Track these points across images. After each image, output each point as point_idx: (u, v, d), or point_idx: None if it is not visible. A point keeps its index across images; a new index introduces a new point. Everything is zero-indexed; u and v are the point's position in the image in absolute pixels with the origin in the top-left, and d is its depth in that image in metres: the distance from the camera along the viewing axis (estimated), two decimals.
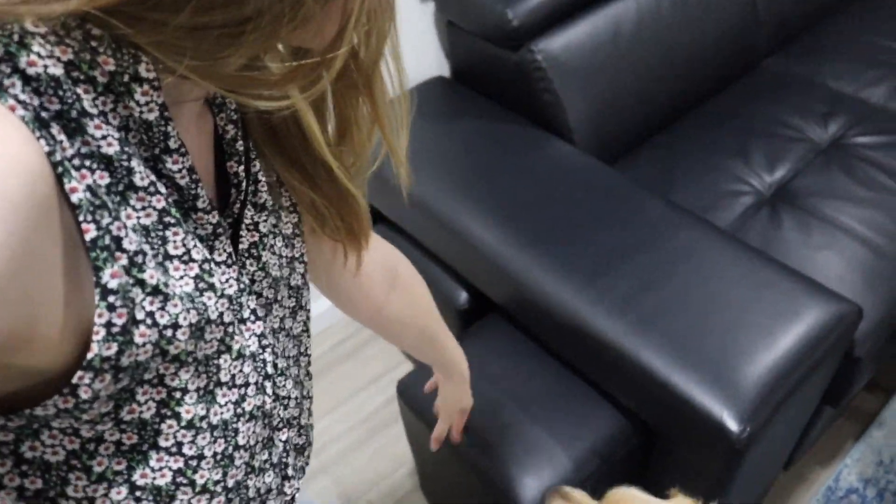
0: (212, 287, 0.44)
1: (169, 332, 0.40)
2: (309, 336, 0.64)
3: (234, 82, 0.38)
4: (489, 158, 1.47)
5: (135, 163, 0.38)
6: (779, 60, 1.90)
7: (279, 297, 0.57)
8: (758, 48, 1.86)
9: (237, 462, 0.49)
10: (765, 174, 1.57)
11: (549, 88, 1.50)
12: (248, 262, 0.52)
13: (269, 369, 0.52)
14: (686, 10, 1.65)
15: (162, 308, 0.39)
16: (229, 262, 0.47)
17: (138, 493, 0.43)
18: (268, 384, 0.52)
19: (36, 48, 0.33)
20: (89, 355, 0.35)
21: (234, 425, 0.48)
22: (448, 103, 1.63)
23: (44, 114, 0.32)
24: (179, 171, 0.41)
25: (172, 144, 0.40)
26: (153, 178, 0.39)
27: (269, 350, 0.52)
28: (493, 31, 1.50)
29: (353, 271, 0.69)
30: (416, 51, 1.72)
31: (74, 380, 0.36)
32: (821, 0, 2.00)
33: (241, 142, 0.50)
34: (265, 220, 0.53)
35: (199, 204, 0.44)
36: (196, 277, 0.42)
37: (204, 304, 0.43)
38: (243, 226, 0.51)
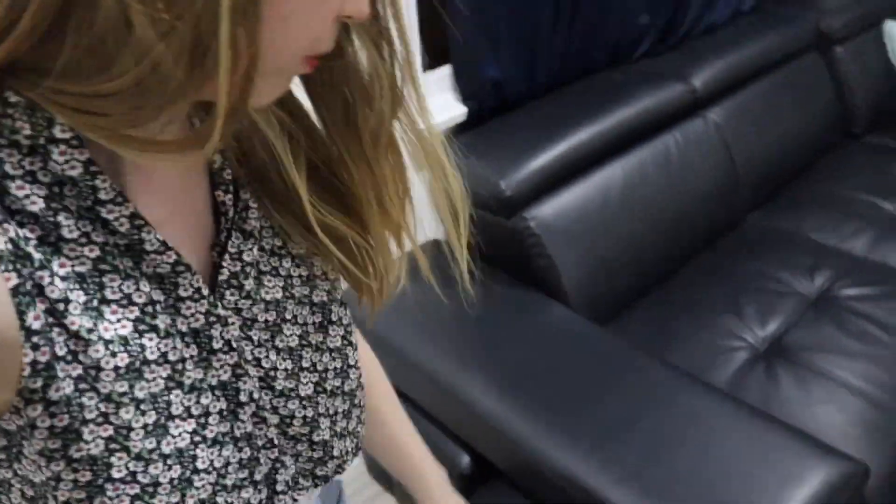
0: (154, 328, 0.46)
1: (93, 372, 0.43)
2: (355, 349, 0.65)
3: (136, 146, 0.39)
4: (487, 322, 1.50)
5: (62, 217, 0.42)
6: (762, 215, 1.99)
7: (289, 317, 0.58)
8: (740, 205, 1.95)
9: (197, 484, 0.51)
10: (757, 329, 1.60)
11: (543, 253, 1.56)
12: (227, 292, 0.53)
13: (244, 397, 0.54)
14: (670, 172, 1.75)
15: (84, 351, 0.43)
16: (196, 296, 0.49)
17: None
18: (242, 410, 0.54)
19: None
20: (19, 386, 0.40)
21: (192, 452, 0.50)
22: (445, 267, 1.69)
23: None
24: (116, 219, 0.44)
25: (103, 196, 0.43)
26: (88, 228, 0.43)
27: (245, 378, 0.54)
28: (488, 201, 1.58)
29: (368, 318, 0.67)
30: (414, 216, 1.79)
31: (14, 403, 0.41)
32: (794, 157, 2.12)
33: (227, 171, 0.53)
34: (250, 249, 0.54)
35: (147, 247, 0.46)
36: (136, 320, 0.45)
37: (141, 345, 0.46)
38: (227, 255, 0.53)
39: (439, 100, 2.02)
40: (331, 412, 0.63)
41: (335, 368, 0.62)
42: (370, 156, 0.55)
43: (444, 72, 2.00)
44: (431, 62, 1.95)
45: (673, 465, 1.16)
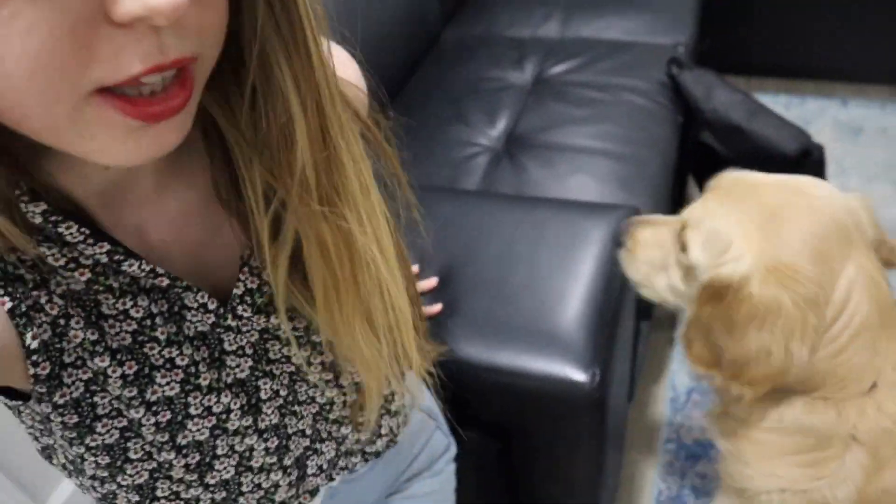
0: (153, 339, 0.49)
1: (100, 379, 0.47)
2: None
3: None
4: None
5: (46, 248, 0.43)
6: (456, 27, 1.91)
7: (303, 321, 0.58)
8: (434, 22, 1.85)
9: (218, 467, 0.55)
10: (489, 129, 1.52)
11: None
12: (240, 306, 0.52)
13: (264, 394, 0.56)
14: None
15: (90, 359, 0.46)
16: (201, 310, 0.50)
17: (125, 486, 0.52)
18: (265, 405, 0.56)
19: None
20: (29, 388, 0.45)
21: (211, 443, 0.54)
22: None
23: None
24: (92, 255, 0.45)
25: (70, 239, 0.43)
26: (75, 254, 0.44)
27: (267, 378, 0.56)
28: None
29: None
30: None
31: (30, 403, 0.46)
32: None
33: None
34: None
35: (135, 274, 0.46)
36: (134, 332, 0.48)
37: (144, 354, 0.48)
38: (247, 268, 0.52)
39: None
40: (384, 394, 0.64)
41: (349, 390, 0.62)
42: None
43: None
44: None
45: (465, 283, 1.05)
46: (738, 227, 0.75)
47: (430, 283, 1.06)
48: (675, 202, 1.60)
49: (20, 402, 0.47)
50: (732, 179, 0.82)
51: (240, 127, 0.45)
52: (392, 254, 0.54)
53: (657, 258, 0.87)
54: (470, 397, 1.02)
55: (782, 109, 2.12)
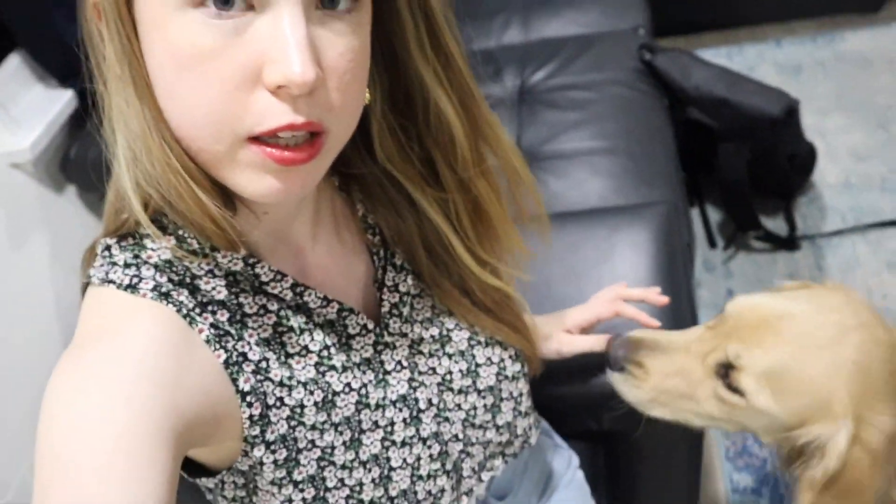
0: (332, 367, 0.57)
1: (298, 410, 0.54)
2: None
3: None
4: None
5: (243, 298, 0.53)
6: None
7: (451, 326, 0.67)
8: None
9: (396, 479, 0.60)
10: None
11: None
12: (391, 320, 0.62)
13: (422, 404, 0.63)
14: None
15: (289, 394, 0.53)
16: (363, 332, 0.60)
17: None
18: (424, 414, 0.63)
19: (149, 244, 0.51)
20: (243, 434, 0.51)
21: (385, 455, 0.60)
22: None
23: (166, 287, 0.49)
24: (280, 292, 0.55)
25: (264, 278, 0.53)
26: (263, 301, 0.54)
27: (422, 388, 0.64)
28: None
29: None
30: None
31: (243, 448, 0.52)
32: None
33: (370, 217, 0.64)
34: (404, 280, 0.64)
35: (311, 305, 0.56)
36: (316, 364, 0.56)
37: (327, 382, 0.56)
38: (385, 289, 0.62)
39: (29, 98, 1.57)
40: (514, 394, 0.71)
41: (511, 356, 0.70)
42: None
43: (14, 63, 1.55)
44: None
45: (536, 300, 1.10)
46: (819, 381, 0.71)
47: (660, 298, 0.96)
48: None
49: (223, 472, 0.54)
50: (768, 316, 0.75)
51: (412, 164, 0.60)
52: (519, 249, 0.69)
53: (678, 388, 0.80)
54: (567, 412, 1.08)
55: (725, 60, 2.25)
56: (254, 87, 0.42)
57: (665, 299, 0.93)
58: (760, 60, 2.30)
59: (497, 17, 1.92)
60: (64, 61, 1.52)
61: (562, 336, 0.88)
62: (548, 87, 1.67)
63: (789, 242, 1.74)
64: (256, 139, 0.44)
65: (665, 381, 0.80)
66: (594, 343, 0.87)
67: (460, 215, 0.63)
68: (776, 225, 1.79)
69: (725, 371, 0.75)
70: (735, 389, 0.74)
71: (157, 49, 0.43)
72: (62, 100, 1.55)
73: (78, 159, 1.54)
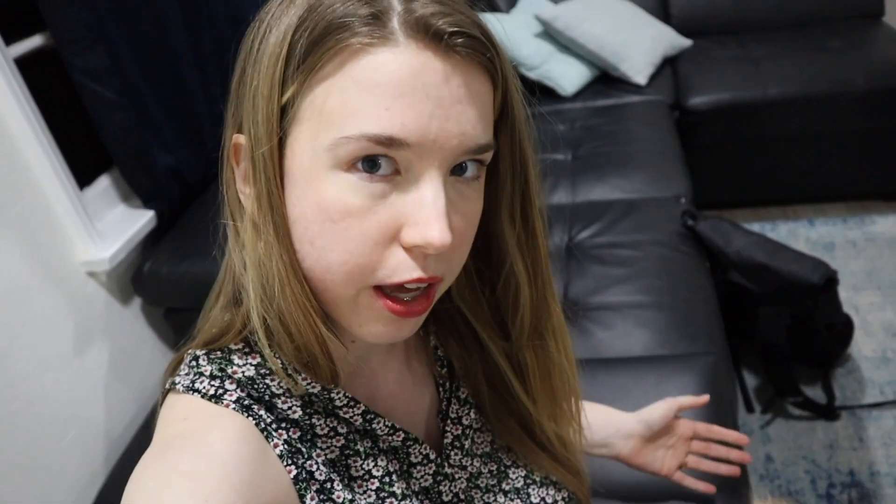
0: (392, 494, 0.57)
1: None
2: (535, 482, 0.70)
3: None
4: None
5: (315, 419, 0.54)
6: None
7: (508, 463, 0.68)
8: None
9: None
10: None
11: None
12: (452, 452, 0.63)
13: None
14: None
15: None
16: (424, 461, 0.60)
17: None
18: None
19: (236, 360, 0.53)
20: None
21: None
22: None
23: (247, 401, 0.50)
24: (351, 417, 0.55)
25: (339, 403, 0.55)
26: (334, 424, 0.55)
27: None
28: None
29: None
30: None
31: None
32: None
33: (441, 349, 0.66)
34: (468, 413, 0.65)
35: (378, 432, 0.57)
36: (377, 490, 0.56)
37: None
38: (448, 420, 0.64)
39: (114, 214, 1.70)
40: None
41: (564, 498, 0.69)
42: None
43: (105, 182, 1.69)
44: (84, 178, 1.62)
45: None
46: None
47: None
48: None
49: None
50: None
51: (482, 306, 0.62)
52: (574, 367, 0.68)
53: None
54: None
55: None
56: (390, 244, 0.46)
57: (739, 436, 0.96)
58: (794, 237, 2.40)
59: (546, 179, 2.06)
60: (151, 185, 1.66)
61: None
62: (593, 244, 1.77)
63: (828, 411, 1.74)
64: (379, 287, 0.47)
65: None
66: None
67: (521, 364, 0.64)
68: (814, 394, 1.80)
69: None
70: None
71: (305, 201, 0.46)
72: (143, 219, 1.67)
73: (150, 274, 1.64)
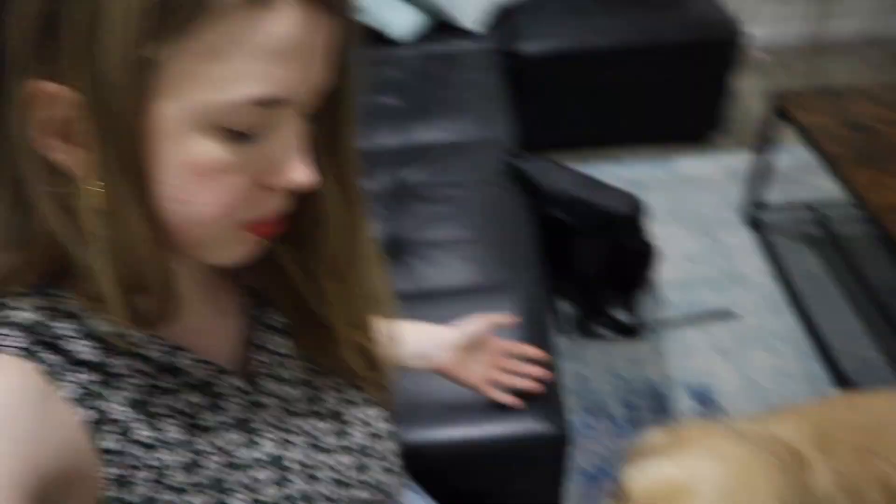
0: (203, 429, 0.56)
1: (165, 472, 0.53)
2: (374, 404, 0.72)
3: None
4: None
5: (111, 359, 0.51)
6: None
7: (320, 385, 0.67)
8: None
9: None
10: None
11: None
12: (263, 380, 0.63)
13: (291, 464, 0.63)
14: None
15: (153, 456, 0.52)
16: (235, 392, 0.60)
17: None
18: (293, 474, 0.62)
19: (11, 304, 0.49)
20: (99, 498, 0.49)
21: None
22: None
23: (29, 345, 0.47)
24: (152, 353, 0.54)
25: (137, 340, 0.53)
26: (133, 362, 0.53)
27: (292, 448, 0.63)
28: None
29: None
30: None
31: None
32: None
33: (243, 276, 0.65)
34: (276, 340, 0.65)
35: (183, 366, 0.56)
36: (184, 426, 0.55)
37: (195, 443, 0.55)
38: (257, 349, 0.63)
39: None
40: (384, 454, 0.71)
41: (380, 416, 0.71)
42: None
43: None
44: None
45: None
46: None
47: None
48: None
49: None
50: (667, 490, 0.81)
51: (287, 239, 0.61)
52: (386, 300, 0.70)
53: None
54: (441, 473, 1.16)
55: None
56: (261, 190, 0.49)
57: (539, 352, 1.06)
58: (609, 176, 2.58)
59: (371, 122, 2.09)
60: None
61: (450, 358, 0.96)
62: (420, 184, 1.82)
63: (633, 331, 1.94)
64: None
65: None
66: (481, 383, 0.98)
67: (319, 276, 0.63)
68: (623, 316, 2.00)
69: None
70: None
71: (171, 161, 0.45)
72: None
73: None
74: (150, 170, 0.45)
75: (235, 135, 0.45)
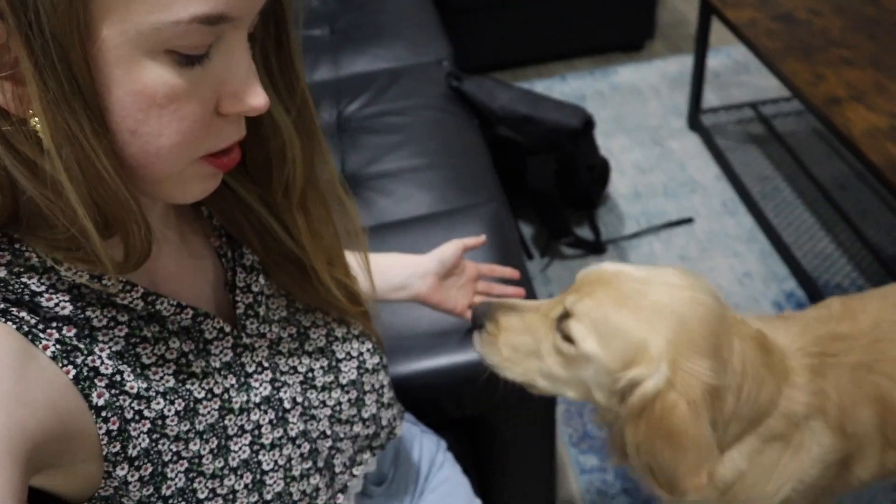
0: (192, 374, 0.56)
1: (160, 422, 0.52)
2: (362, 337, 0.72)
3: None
4: None
5: (90, 311, 0.50)
6: None
7: (307, 324, 0.68)
8: None
9: (269, 482, 0.61)
10: None
11: None
12: (247, 321, 0.62)
13: (287, 404, 0.63)
14: None
15: (147, 406, 0.52)
16: (220, 336, 0.59)
17: None
18: (290, 414, 0.63)
19: None
20: (103, 452, 0.49)
21: (256, 458, 0.60)
22: None
23: (3, 305, 0.45)
24: (130, 302, 0.52)
25: (112, 289, 0.50)
26: (112, 313, 0.51)
27: (285, 387, 0.64)
28: None
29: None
30: None
31: (105, 469, 0.49)
32: None
33: (215, 218, 0.64)
34: (256, 280, 0.64)
35: (164, 313, 0.55)
36: (175, 373, 0.55)
37: (188, 390, 0.55)
38: (237, 290, 0.62)
39: None
40: (376, 387, 0.72)
41: (369, 349, 0.71)
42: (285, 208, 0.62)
43: None
44: None
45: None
46: (640, 327, 0.76)
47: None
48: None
49: None
50: (607, 274, 0.82)
51: (249, 176, 0.61)
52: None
53: (526, 344, 0.86)
54: (428, 398, 1.11)
55: None
56: (215, 116, 0.47)
57: (512, 271, 1.02)
58: (549, 93, 2.53)
59: (305, 56, 1.96)
60: None
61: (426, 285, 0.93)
62: (364, 116, 1.73)
63: (597, 246, 1.91)
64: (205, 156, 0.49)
65: (515, 337, 0.87)
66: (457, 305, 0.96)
67: (285, 211, 0.62)
68: (583, 233, 1.96)
69: (562, 323, 0.81)
70: (568, 339, 0.80)
71: (120, 90, 0.42)
72: None
73: None
74: (102, 101, 0.43)
75: (185, 58, 0.43)
